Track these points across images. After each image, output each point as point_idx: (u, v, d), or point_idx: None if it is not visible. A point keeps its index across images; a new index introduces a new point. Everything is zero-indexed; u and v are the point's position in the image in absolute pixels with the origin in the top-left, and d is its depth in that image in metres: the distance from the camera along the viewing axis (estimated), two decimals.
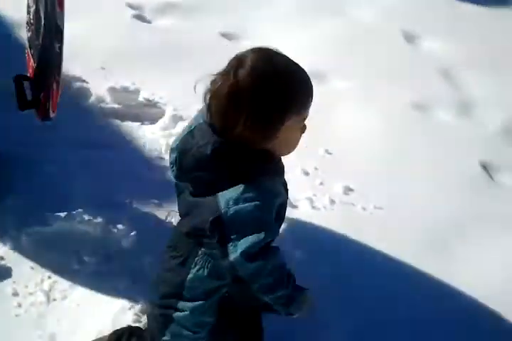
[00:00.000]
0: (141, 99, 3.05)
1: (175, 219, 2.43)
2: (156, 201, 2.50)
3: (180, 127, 2.87)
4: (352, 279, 2.23)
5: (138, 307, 2.06)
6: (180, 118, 2.94)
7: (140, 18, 3.95)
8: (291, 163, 2.74)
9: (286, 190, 1.64)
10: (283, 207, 1.55)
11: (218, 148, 1.40)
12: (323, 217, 2.53)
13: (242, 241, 1.35)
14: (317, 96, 3.35)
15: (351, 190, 2.70)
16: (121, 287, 2.13)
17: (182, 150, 1.53)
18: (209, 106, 1.44)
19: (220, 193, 1.38)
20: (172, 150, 1.60)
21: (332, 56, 3.68)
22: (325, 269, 2.25)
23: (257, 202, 1.35)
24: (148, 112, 3.01)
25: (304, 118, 1.52)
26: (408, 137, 3.01)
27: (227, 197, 1.36)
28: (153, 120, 2.97)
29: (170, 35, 3.74)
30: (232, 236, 1.36)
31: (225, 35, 3.86)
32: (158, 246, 2.26)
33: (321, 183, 2.72)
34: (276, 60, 1.44)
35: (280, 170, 1.57)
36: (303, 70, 1.48)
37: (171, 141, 2.79)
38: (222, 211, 1.36)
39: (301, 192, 2.62)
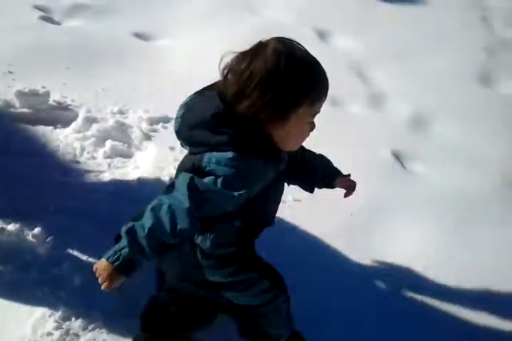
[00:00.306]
0: (51, 102, 2.97)
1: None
2: (71, 205, 2.43)
3: (95, 129, 2.83)
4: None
5: (59, 314, 2.00)
6: (94, 120, 2.89)
7: (48, 19, 3.84)
8: None
9: (281, 178, 1.64)
10: (264, 191, 1.53)
11: (220, 113, 1.45)
12: None
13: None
14: None
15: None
16: (41, 294, 2.07)
17: (189, 106, 1.55)
18: (225, 80, 1.50)
19: (208, 153, 1.44)
20: (180, 106, 1.59)
21: None
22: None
23: (233, 171, 1.40)
24: (60, 115, 2.93)
25: (315, 114, 1.54)
26: (322, 131, 3.07)
27: (212, 156, 1.43)
28: (65, 123, 2.89)
29: (80, 37, 3.67)
30: None
31: (139, 36, 3.82)
32: (77, 251, 2.25)
33: None
34: (298, 48, 1.50)
35: (278, 159, 1.55)
36: (321, 65, 1.52)
37: (86, 143, 2.78)
38: (202, 164, 1.43)
39: None
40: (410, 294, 2.32)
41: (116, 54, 3.52)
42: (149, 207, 1.43)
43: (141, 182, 2.61)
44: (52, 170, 2.61)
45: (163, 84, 3.27)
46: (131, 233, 1.42)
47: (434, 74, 3.84)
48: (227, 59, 1.52)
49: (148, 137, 2.90)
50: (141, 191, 2.56)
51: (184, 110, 1.55)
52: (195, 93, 1.58)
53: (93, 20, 3.93)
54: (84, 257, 2.23)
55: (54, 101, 2.98)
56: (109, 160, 2.73)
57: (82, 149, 2.75)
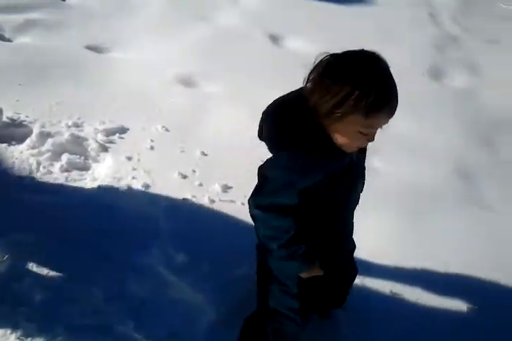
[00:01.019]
0: (5, 119, 2.95)
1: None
2: (29, 222, 2.42)
3: (50, 144, 2.82)
4: (233, 270, 2.30)
5: (20, 330, 1.99)
6: (49, 135, 2.88)
7: None
8: (168, 168, 2.82)
9: (336, 179, 1.64)
10: (315, 188, 1.60)
11: (291, 105, 1.55)
12: (205, 217, 2.58)
13: (257, 190, 1.62)
14: (188, 102, 3.47)
15: (230, 187, 2.77)
16: (3, 312, 2.05)
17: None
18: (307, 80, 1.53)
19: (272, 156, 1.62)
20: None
21: (200, 61, 3.77)
22: (205, 269, 2.29)
23: (277, 169, 1.57)
24: (14, 132, 2.91)
25: (371, 127, 1.51)
26: None
27: (270, 159, 1.62)
28: (20, 139, 2.87)
29: (32, 53, 3.65)
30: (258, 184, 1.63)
31: (91, 48, 3.82)
32: (36, 267, 2.24)
33: (200, 184, 2.76)
34: (379, 62, 1.46)
35: (333, 157, 1.56)
36: (395, 87, 1.47)
37: (42, 158, 2.77)
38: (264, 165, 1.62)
39: (180, 196, 2.66)
40: (373, 285, 2.37)
41: (70, 68, 3.52)
42: None
43: (99, 194, 2.62)
44: (8, 187, 2.59)
45: (118, 95, 3.28)
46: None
47: None
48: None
49: (104, 148, 2.90)
50: (100, 202, 2.57)
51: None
52: None
53: (45, 35, 3.91)
54: (44, 273, 2.23)
55: (7, 118, 2.97)
56: (66, 174, 2.72)
57: (38, 164, 2.73)
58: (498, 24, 5.01)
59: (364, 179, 1.80)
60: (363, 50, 1.46)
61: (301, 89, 1.55)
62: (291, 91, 1.61)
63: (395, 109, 1.48)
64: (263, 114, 1.64)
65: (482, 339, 2.20)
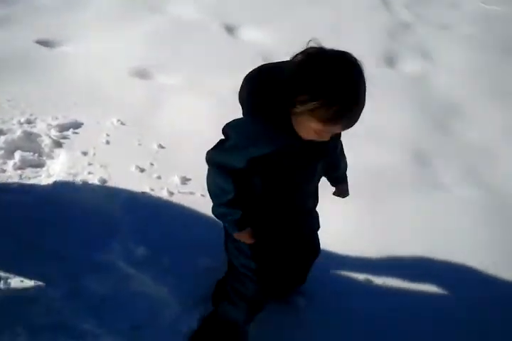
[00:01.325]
0: None
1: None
2: None
3: (2, 141, 2.76)
4: (196, 262, 2.30)
5: None
6: (1, 132, 2.82)
7: None
8: (125, 162, 2.79)
9: (292, 154, 1.64)
10: (268, 160, 1.62)
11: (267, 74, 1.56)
12: (164, 209, 2.56)
13: (216, 145, 1.69)
14: (143, 94, 3.41)
15: (188, 179, 2.75)
16: None
17: None
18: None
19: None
20: None
21: (154, 53, 3.72)
22: (167, 260, 2.29)
23: (237, 130, 1.61)
24: None
25: (325, 132, 1.49)
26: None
27: (235, 119, 1.64)
28: None
29: None
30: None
31: (41, 43, 3.72)
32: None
33: (158, 177, 2.74)
34: (353, 72, 1.41)
35: (289, 132, 1.55)
36: (362, 100, 1.43)
37: None
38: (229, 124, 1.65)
39: (138, 190, 2.63)
40: (337, 272, 2.41)
41: (20, 63, 3.42)
42: None
43: (55, 191, 2.57)
44: None
45: (70, 90, 3.21)
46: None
47: None
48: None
49: (58, 144, 2.84)
50: (56, 199, 2.52)
51: None
52: None
53: None
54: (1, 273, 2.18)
55: None
56: (19, 172, 2.66)
57: None
58: (450, 10, 5.11)
59: (330, 158, 1.82)
60: (343, 53, 1.42)
61: (288, 61, 1.51)
62: (281, 62, 1.58)
63: (355, 122, 1.47)
64: (245, 75, 1.63)
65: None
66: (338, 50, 1.44)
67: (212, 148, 1.71)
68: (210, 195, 1.76)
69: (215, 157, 1.69)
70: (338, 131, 1.54)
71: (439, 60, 4.19)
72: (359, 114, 1.45)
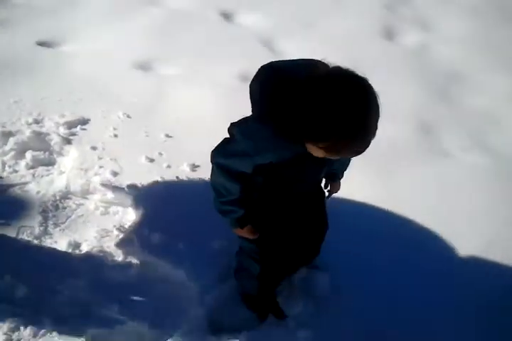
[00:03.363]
0: None
1: (27, 233, 2.39)
2: (1, 221, 2.43)
3: (12, 143, 2.81)
4: (213, 245, 2.35)
5: (6, 325, 2.03)
6: (10, 134, 2.86)
7: None
8: (134, 153, 2.83)
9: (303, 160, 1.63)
10: (267, 167, 1.63)
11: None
12: (176, 197, 2.60)
13: (221, 145, 1.70)
14: (147, 86, 3.44)
15: (198, 166, 2.79)
16: None
17: None
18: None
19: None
20: None
21: (154, 45, 3.74)
22: (183, 245, 2.34)
23: (245, 136, 1.59)
24: None
25: (334, 156, 1.49)
26: (238, 107, 3.13)
27: (243, 120, 1.63)
28: None
29: None
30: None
31: (43, 44, 3.75)
32: (18, 264, 2.25)
33: (168, 166, 2.78)
34: (367, 106, 1.39)
35: (295, 151, 1.55)
36: (370, 135, 1.41)
37: (6, 158, 2.76)
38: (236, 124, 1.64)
39: (149, 179, 2.68)
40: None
41: (23, 65, 3.47)
42: None
43: (68, 187, 2.62)
44: None
45: (74, 87, 3.25)
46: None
47: (342, 36, 3.95)
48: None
49: (68, 141, 2.89)
50: (69, 194, 2.59)
51: None
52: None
53: None
54: (23, 267, 2.24)
55: None
56: (32, 171, 2.71)
57: (3, 164, 2.72)
58: None
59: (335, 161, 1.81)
60: (360, 81, 1.38)
61: (309, 63, 1.50)
62: (296, 63, 1.54)
63: (365, 150, 1.45)
64: (260, 68, 1.59)
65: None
66: (355, 78, 1.38)
67: (216, 149, 1.70)
68: (214, 192, 1.77)
69: (220, 159, 1.68)
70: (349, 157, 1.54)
71: (439, 30, 4.16)
72: (370, 142, 1.43)
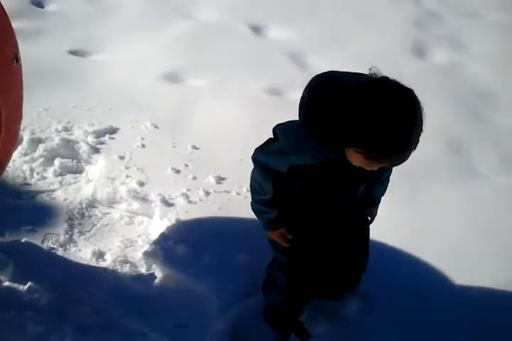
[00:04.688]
0: None
1: (52, 241, 2.40)
2: (28, 227, 2.44)
3: (42, 149, 2.84)
4: (234, 258, 2.32)
5: (28, 334, 2.01)
6: (40, 141, 2.89)
7: None
8: (161, 164, 2.84)
9: (348, 176, 1.65)
10: (303, 170, 1.66)
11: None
12: (201, 209, 2.60)
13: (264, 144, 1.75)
14: (175, 97, 3.47)
15: (223, 178, 2.79)
16: (10, 317, 2.07)
17: None
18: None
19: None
20: None
21: (183, 57, 3.78)
22: (207, 258, 2.32)
23: (284, 135, 1.64)
24: None
25: (372, 164, 1.48)
26: (265, 120, 3.13)
27: (288, 121, 1.69)
28: None
29: None
30: None
31: (74, 53, 3.82)
32: (39, 273, 2.25)
33: (194, 178, 2.78)
34: (410, 117, 1.39)
35: (338, 153, 1.54)
36: (414, 137, 1.40)
37: (34, 165, 2.79)
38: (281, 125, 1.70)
39: (175, 191, 2.68)
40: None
41: (54, 73, 3.51)
42: None
43: (94, 195, 2.64)
44: (4, 196, 2.60)
45: (104, 97, 3.29)
46: None
47: (373, 52, 3.93)
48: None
49: (96, 150, 2.92)
50: (94, 203, 2.60)
51: None
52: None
53: (27, 43, 3.86)
54: (47, 274, 2.24)
55: None
56: (60, 178, 2.74)
57: (32, 171, 2.75)
58: None
59: (373, 181, 1.80)
60: (408, 90, 1.38)
61: (361, 73, 1.50)
62: (349, 74, 1.55)
63: (405, 160, 1.44)
64: (313, 77, 1.60)
65: None
66: (402, 88, 1.38)
67: (259, 147, 1.76)
68: (250, 190, 1.82)
69: (259, 156, 1.74)
70: (386, 166, 1.51)
71: (469, 48, 4.14)
72: (409, 154, 1.42)
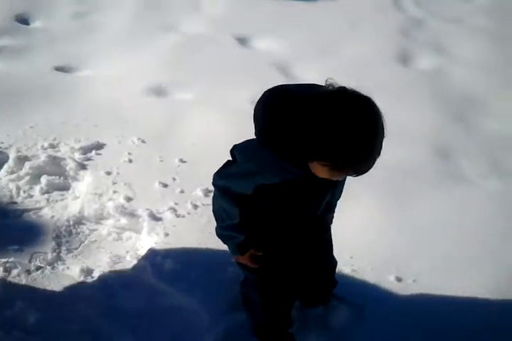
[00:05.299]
0: None
1: (39, 259, 2.38)
2: (15, 246, 2.43)
3: (28, 167, 2.83)
4: (226, 273, 2.31)
5: None
6: (26, 159, 2.88)
7: None
8: (148, 179, 2.83)
9: (307, 188, 1.63)
10: (269, 189, 1.61)
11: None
12: (190, 222, 2.59)
13: (222, 167, 1.69)
14: (161, 111, 3.46)
15: (211, 191, 2.73)
16: None
17: None
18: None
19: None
20: None
21: (169, 70, 3.78)
22: (196, 272, 2.31)
23: (244, 156, 1.58)
24: None
25: (337, 176, 1.47)
26: (252, 132, 3.14)
27: (244, 142, 1.62)
28: None
29: (1, 79, 3.63)
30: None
31: (60, 69, 3.81)
32: (29, 291, 2.24)
33: (182, 191, 2.77)
34: (371, 126, 1.37)
35: (299, 166, 1.50)
36: (377, 147, 1.38)
37: (21, 183, 2.77)
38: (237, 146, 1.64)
39: (163, 205, 2.67)
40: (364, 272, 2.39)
41: (40, 90, 3.51)
42: None
43: (82, 212, 2.62)
44: None
45: (90, 113, 3.28)
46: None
47: (358, 60, 3.96)
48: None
49: (83, 166, 2.90)
50: (82, 219, 2.59)
51: None
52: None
53: (12, 60, 3.90)
54: (35, 294, 2.23)
55: None
56: (46, 196, 2.72)
57: (18, 189, 2.73)
58: (462, 3, 5.06)
59: (337, 190, 1.80)
60: (364, 98, 1.36)
61: (314, 84, 1.49)
62: (300, 87, 1.52)
63: (369, 169, 1.42)
64: (264, 92, 1.56)
65: None
66: (359, 96, 1.36)
67: (218, 172, 1.69)
68: (215, 216, 1.76)
69: (219, 181, 1.67)
70: (351, 176, 1.50)
71: (454, 54, 4.16)
72: (374, 162, 1.41)
